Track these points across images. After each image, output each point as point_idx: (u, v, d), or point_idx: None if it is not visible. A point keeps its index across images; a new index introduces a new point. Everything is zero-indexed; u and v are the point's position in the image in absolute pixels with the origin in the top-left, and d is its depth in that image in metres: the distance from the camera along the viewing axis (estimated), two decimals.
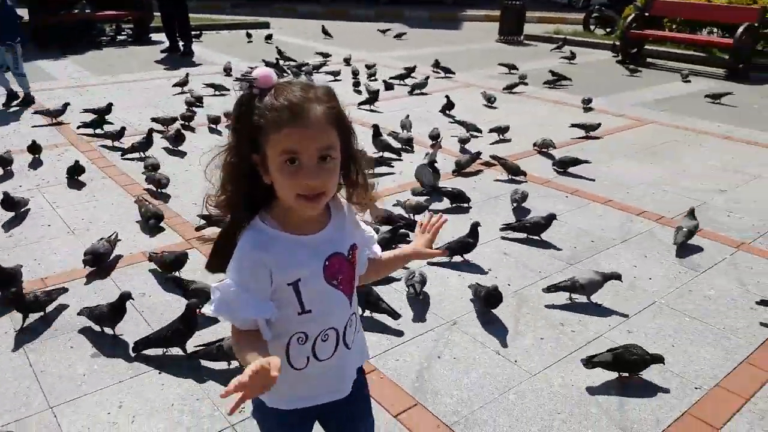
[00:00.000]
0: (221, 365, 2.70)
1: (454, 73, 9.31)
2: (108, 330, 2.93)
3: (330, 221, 1.35)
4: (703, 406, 2.53)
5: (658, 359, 2.68)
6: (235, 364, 2.68)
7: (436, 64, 9.55)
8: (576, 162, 5.23)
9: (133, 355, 2.77)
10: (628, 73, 10.03)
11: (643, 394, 2.61)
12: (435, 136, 5.84)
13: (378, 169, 5.16)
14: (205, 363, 2.71)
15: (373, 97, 7.42)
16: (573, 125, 6.38)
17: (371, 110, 7.28)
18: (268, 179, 1.23)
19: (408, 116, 6.41)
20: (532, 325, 3.07)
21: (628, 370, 2.67)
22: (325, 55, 10.28)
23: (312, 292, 1.30)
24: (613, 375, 2.69)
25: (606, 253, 3.86)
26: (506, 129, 6.21)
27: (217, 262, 1.32)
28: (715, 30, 11.77)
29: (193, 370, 2.68)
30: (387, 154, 5.52)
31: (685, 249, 3.90)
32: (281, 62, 9.60)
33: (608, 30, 13.92)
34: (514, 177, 5.04)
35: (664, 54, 11.47)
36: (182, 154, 5.52)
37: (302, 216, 1.28)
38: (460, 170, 5.14)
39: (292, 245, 1.28)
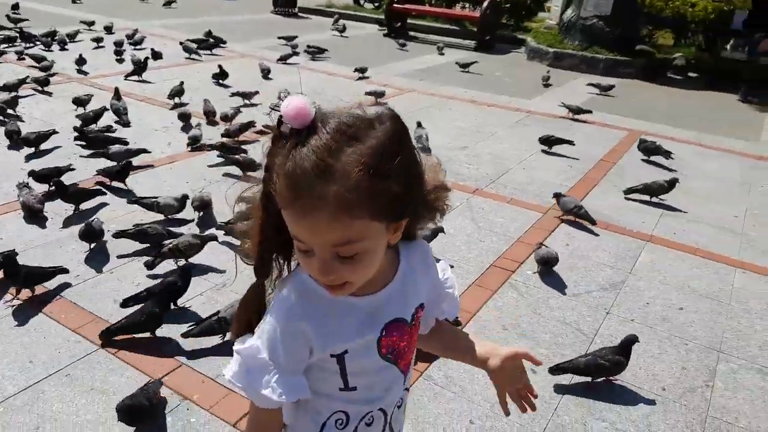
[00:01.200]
0: None
1: (225, 43, 9.19)
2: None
3: (397, 273, 1.06)
4: None
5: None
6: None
7: (209, 34, 9.31)
8: None
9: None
10: (397, 46, 10.80)
11: None
12: (209, 112, 5.77)
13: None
14: None
15: (142, 66, 7.05)
16: (367, 93, 6.76)
17: (141, 81, 6.93)
18: None
19: (182, 83, 6.29)
20: None
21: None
22: (90, 24, 9.55)
23: (360, 367, 1.04)
24: None
25: None
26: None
27: (243, 327, 1.04)
28: (467, 5, 13.25)
29: None
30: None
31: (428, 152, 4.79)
32: None
33: (377, 5, 14.80)
34: None
35: (425, 28, 12.62)
36: None
37: None
38: (232, 137, 5.23)
39: (341, 309, 1.00)
